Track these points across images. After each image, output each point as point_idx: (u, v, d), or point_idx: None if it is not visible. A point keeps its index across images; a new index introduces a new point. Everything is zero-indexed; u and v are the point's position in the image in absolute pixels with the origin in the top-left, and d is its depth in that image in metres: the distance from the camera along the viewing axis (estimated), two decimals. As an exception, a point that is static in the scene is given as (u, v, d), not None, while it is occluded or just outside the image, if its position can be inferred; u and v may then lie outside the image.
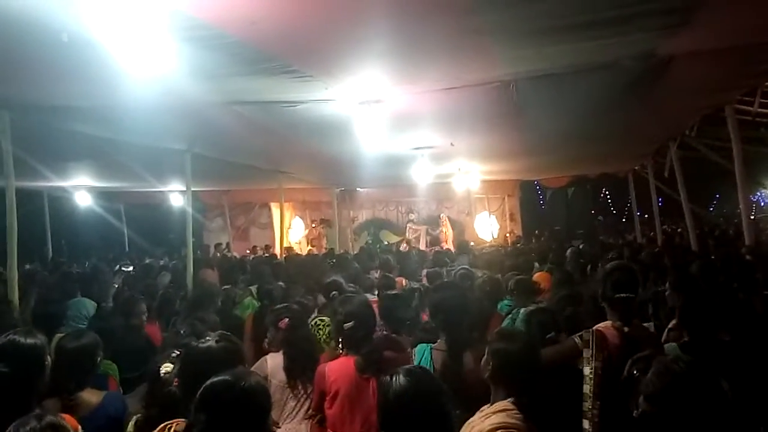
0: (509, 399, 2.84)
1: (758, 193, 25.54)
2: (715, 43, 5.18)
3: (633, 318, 3.85)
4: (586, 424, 3.54)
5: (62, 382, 3.42)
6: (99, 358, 3.74)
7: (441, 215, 19.52)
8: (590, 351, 3.63)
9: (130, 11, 3.42)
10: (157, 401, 2.98)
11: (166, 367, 3.12)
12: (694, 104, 8.12)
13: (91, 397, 3.50)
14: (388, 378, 2.43)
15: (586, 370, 3.63)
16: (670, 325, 4.57)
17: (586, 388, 3.61)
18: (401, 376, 2.41)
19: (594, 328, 3.75)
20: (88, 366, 3.64)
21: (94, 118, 6.71)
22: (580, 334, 3.75)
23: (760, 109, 9.00)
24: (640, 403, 2.29)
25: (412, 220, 19.95)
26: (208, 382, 2.33)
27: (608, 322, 3.80)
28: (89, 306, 6.59)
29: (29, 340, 3.06)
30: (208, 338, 2.98)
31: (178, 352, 3.09)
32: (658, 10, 4.20)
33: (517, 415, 2.74)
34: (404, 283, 7.86)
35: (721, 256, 7.95)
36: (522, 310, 5.03)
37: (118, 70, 4.25)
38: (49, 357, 3.16)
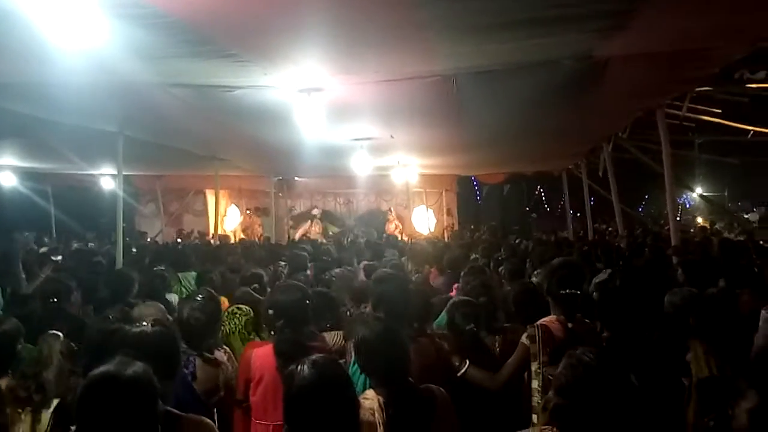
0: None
1: (684, 196, 26.49)
2: (649, 48, 5.31)
3: (576, 313, 3.88)
4: (534, 418, 3.55)
5: None
6: (20, 346, 3.58)
7: (390, 209, 19.56)
8: (537, 346, 3.64)
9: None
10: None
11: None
12: (626, 106, 8.35)
13: None
14: (293, 368, 2.32)
15: (534, 366, 3.64)
16: None
17: (535, 383, 3.62)
18: (305, 366, 2.30)
19: (539, 322, 3.76)
20: (5, 355, 3.47)
21: (19, 95, 6.41)
22: (528, 334, 3.75)
23: (687, 114, 9.30)
24: (552, 396, 2.32)
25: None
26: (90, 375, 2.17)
27: (552, 317, 3.83)
28: None
29: None
30: (143, 323, 2.88)
31: None
32: (595, 13, 4.28)
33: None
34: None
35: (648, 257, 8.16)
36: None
37: (44, 44, 4.07)
38: None
